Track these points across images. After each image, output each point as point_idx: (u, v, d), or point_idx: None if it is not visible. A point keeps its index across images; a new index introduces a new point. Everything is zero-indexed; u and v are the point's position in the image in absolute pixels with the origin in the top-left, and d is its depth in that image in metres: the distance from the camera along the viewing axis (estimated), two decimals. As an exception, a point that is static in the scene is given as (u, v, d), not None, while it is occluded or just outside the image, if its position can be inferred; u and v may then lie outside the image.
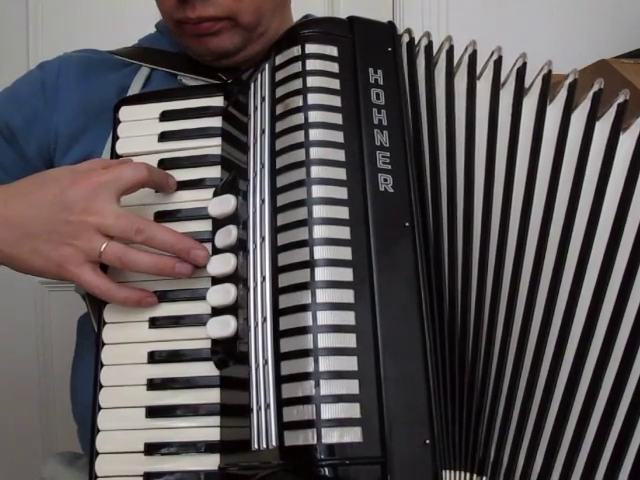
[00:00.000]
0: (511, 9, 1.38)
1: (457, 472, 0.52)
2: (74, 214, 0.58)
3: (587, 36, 1.35)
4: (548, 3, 1.38)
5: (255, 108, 0.61)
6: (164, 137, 0.67)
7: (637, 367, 0.55)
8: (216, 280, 0.59)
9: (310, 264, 0.51)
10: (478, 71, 0.63)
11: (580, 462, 0.55)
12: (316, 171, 0.54)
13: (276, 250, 0.54)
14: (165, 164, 0.65)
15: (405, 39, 0.63)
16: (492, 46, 0.64)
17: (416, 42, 0.63)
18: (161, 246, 0.59)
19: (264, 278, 0.54)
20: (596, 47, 1.08)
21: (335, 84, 0.57)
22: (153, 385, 0.59)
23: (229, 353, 0.57)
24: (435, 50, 0.63)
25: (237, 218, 0.59)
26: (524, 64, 0.63)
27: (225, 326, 0.57)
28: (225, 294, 0.58)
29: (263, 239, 0.55)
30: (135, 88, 0.79)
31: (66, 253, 0.58)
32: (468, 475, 0.53)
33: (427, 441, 0.49)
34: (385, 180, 0.55)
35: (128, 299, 0.60)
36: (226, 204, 0.60)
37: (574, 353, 0.56)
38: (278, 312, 0.52)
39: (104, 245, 0.57)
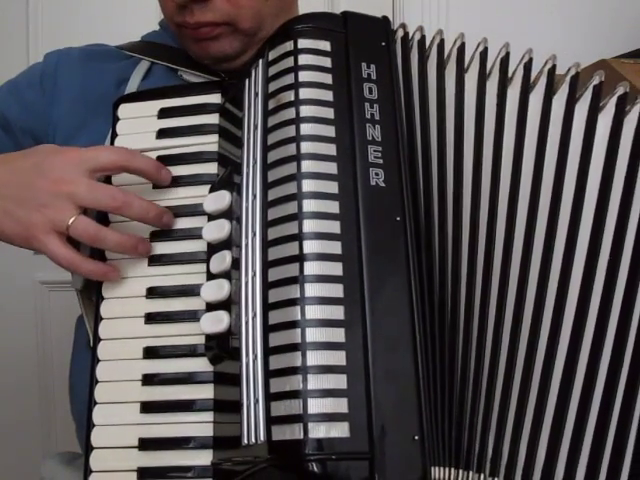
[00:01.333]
0: (511, 8, 1.38)
1: (447, 469, 0.52)
2: (48, 182, 0.58)
3: (587, 36, 1.35)
4: (548, 3, 1.38)
5: (249, 104, 0.61)
6: (162, 134, 0.67)
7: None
8: (211, 276, 0.59)
9: (299, 258, 0.51)
10: (466, 63, 0.63)
11: (584, 452, 0.55)
12: (306, 165, 0.54)
13: (266, 245, 0.54)
14: (163, 161, 0.65)
15: (400, 34, 0.63)
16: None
17: (410, 37, 0.63)
18: (138, 213, 0.60)
19: (255, 273, 0.54)
20: (596, 47, 1.07)
21: (327, 79, 0.57)
22: (148, 380, 0.60)
23: (223, 348, 0.57)
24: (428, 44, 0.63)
25: (232, 214, 0.59)
26: (507, 54, 0.63)
27: (218, 322, 0.57)
28: (218, 290, 0.57)
29: (254, 234, 0.55)
30: (135, 80, 0.79)
31: (35, 219, 0.58)
32: (461, 472, 0.53)
33: (416, 437, 0.49)
34: (376, 174, 0.55)
35: (92, 272, 0.60)
36: (221, 200, 0.60)
37: (567, 344, 0.56)
38: (267, 307, 0.52)
39: (72, 218, 0.58)
